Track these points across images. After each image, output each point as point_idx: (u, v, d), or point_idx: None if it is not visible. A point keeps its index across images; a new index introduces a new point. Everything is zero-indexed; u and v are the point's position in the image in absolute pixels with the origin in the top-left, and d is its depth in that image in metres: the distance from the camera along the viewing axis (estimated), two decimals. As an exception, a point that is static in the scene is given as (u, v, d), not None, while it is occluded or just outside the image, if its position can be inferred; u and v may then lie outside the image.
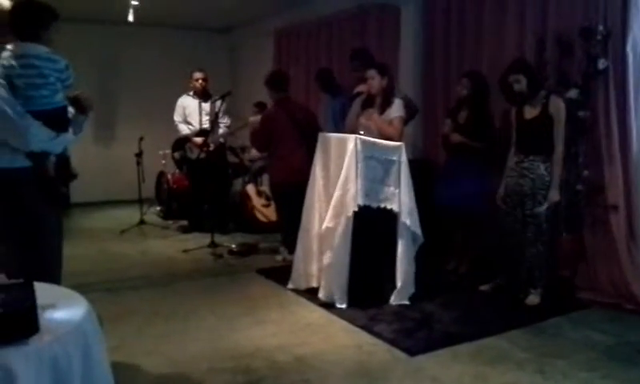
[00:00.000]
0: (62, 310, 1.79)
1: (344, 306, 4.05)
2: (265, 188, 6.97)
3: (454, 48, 5.59)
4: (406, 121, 4.77)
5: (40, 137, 2.74)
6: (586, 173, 4.30)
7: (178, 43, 9.09)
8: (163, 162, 7.80)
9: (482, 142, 4.66)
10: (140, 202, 7.17)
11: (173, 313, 4.06)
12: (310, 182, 4.45)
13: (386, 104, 4.55)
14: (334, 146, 4.27)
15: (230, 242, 6.15)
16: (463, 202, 4.70)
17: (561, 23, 4.51)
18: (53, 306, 1.78)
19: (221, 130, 6.61)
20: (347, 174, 3.99)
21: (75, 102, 3.02)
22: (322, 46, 7.41)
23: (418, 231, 4.15)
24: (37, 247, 2.80)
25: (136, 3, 6.19)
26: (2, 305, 1.57)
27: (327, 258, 4.14)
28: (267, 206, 6.87)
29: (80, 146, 3.34)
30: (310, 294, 4.34)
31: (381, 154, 4.10)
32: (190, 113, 6.63)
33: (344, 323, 3.84)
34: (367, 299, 4.09)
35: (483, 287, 4.48)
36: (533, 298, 4.14)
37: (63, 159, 3.06)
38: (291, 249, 4.83)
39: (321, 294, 4.20)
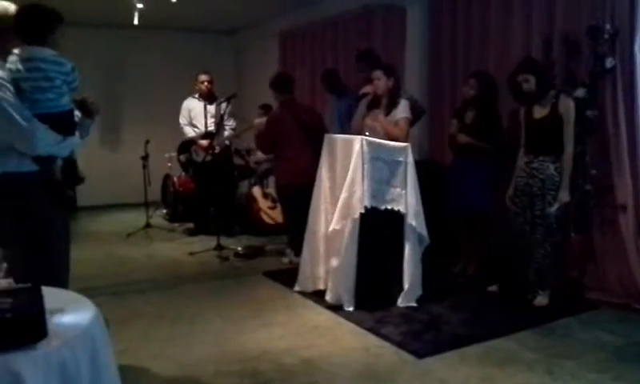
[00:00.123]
0: (70, 314, 1.78)
1: (351, 308, 4.04)
2: (271, 190, 6.97)
3: (460, 48, 5.56)
4: (412, 122, 4.75)
5: (46, 141, 2.74)
6: (593, 172, 4.27)
7: (183, 46, 9.09)
8: (169, 164, 7.83)
9: (488, 142, 4.63)
10: (146, 204, 7.18)
11: (179, 316, 4.06)
12: (316, 183, 4.44)
13: (392, 105, 4.54)
14: (340, 147, 4.26)
15: (236, 244, 6.14)
16: (470, 203, 4.69)
17: (567, 22, 4.49)
18: (61, 311, 1.78)
19: (226, 133, 6.60)
20: (354, 176, 3.97)
21: (82, 105, 3.02)
22: (328, 46, 7.40)
23: (424, 233, 4.14)
24: (44, 251, 2.79)
25: (141, 6, 6.20)
26: (10, 309, 1.56)
27: (334, 261, 4.13)
28: (273, 208, 6.86)
29: (86, 150, 3.33)
30: (317, 296, 4.33)
31: (387, 154, 4.09)
32: (196, 115, 6.63)
33: (351, 326, 3.82)
34: (374, 301, 4.08)
35: (491, 288, 4.46)
36: (541, 299, 4.12)
37: (70, 163, 3.06)
38: (298, 251, 4.82)
39: (328, 297, 4.19)
